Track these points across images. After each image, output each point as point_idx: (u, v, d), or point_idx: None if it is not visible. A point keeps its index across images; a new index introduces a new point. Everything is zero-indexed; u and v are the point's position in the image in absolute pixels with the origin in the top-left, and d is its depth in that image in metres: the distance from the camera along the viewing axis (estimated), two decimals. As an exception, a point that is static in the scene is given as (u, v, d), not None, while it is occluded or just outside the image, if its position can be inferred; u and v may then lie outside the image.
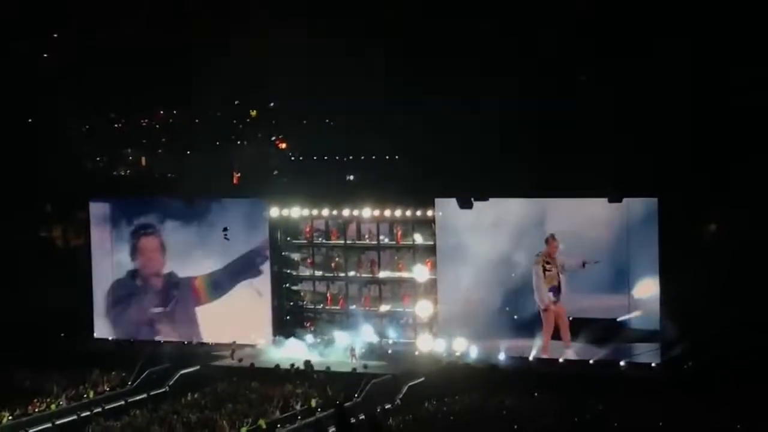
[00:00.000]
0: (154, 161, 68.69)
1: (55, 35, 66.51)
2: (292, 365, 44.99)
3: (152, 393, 43.85)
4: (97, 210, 52.50)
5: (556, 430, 36.36)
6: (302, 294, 50.39)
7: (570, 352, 43.73)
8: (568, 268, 43.70)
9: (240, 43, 60.24)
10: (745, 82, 49.70)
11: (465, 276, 45.57)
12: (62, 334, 51.01)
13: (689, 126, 49.19)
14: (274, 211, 49.41)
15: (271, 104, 48.14)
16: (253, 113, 69.06)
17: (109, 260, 51.98)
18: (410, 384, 42.57)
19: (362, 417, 38.27)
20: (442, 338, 46.09)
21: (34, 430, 39.53)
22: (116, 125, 69.40)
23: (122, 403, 42.62)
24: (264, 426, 38.27)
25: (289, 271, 50.25)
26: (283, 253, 50.15)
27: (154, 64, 60.31)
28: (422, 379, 43.13)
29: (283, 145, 68.14)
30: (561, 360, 43.92)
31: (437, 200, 46.52)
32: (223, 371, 45.78)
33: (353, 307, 48.86)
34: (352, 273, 49.19)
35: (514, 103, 52.53)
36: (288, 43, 59.68)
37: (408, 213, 47.52)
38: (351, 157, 64.11)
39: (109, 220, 52.11)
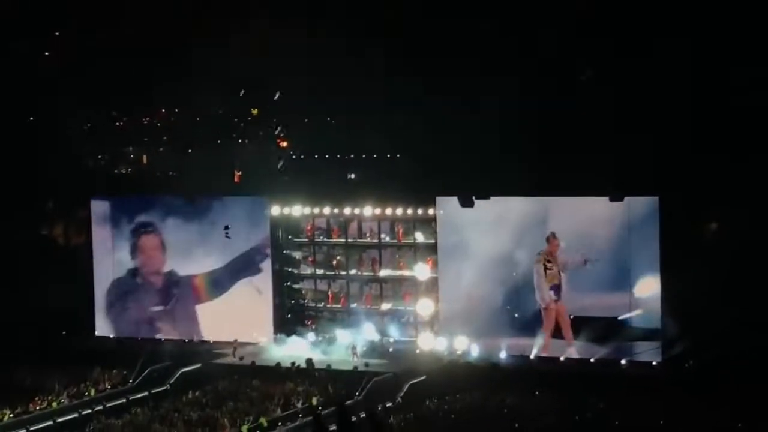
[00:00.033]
0: (156, 159, 68.64)
1: (57, 33, 66.48)
2: (293, 363, 45.03)
3: (153, 391, 43.92)
4: (99, 208, 52.55)
5: (557, 428, 36.38)
6: (303, 292, 50.44)
7: (573, 350, 43.74)
8: (570, 266, 43.73)
9: (241, 41, 60.21)
10: (745, 82, 49.69)
11: (466, 274, 45.60)
12: (63, 332, 51.05)
13: (690, 125, 49.17)
14: (276, 210, 49.45)
15: (277, 95, 47.85)
16: (255, 111, 68.98)
17: (111, 258, 52.03)
18: (411, 382, 42.62)
19: (363, 415, 38.26)
20: (444, 337, 46.12)
21: (36, 427, 39.59)
22: (117, 123, 69.33)
23: (123, 401, 42.69)
24: (265, 424, 38.31)
25: (290, 269, 50.28)
26: (284, 252, 50.20)
27: (155, 62, 60.22)
28: (423, 377, 43.18)
29: (284, 144, 68.08)
30: (562, 358, 43.96)
31: (438, 199, 46.55)
32: (224, 369, 45.84)
33: (354, 305, 48.90)
34: (353, 271, 49.24)
35: (515, 102, 52.51)
36: (288, 42, 59.67)
37: (409, 211, 47.56)
38: (352, 156, 64.05)
39: (110, 219, 52.16)
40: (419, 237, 47.73)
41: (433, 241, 46.98)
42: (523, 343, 44.48)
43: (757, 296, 41.96)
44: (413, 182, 52.39)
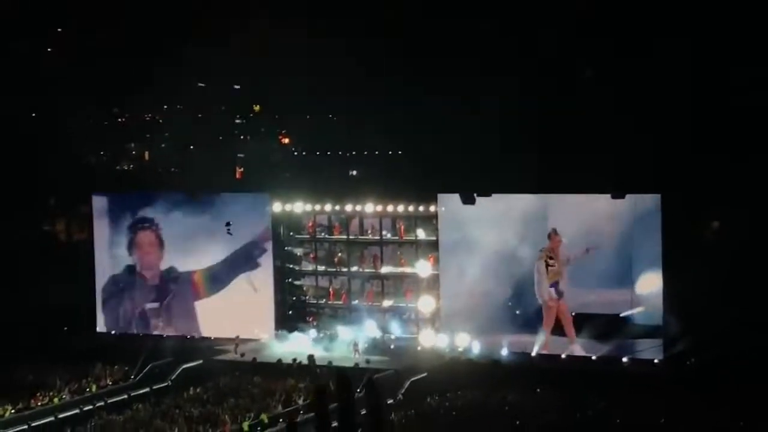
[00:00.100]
0: (157, 156, 68.70)
1: (59, 30, 66.51)
2: (295, 360, 45.02)
3: (155, 387, 43.92)
4: (100, 204, 52.57)
5: (558, 426, 36.34)
6: (305, 289, 50.44)
7: (577, 347, 43.72)
8: (573, 259, 43.64)
9: (242, 40, 60.23)
10: (746, 82, 49.71)
11: (468, 271, 45.58)
12: (65, 328, 51.05)
13: (693, 123, 49.16)
14: (277, 206, 49.44)
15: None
16: (257, 108, 69.03)
17: (112, 254, 52.02)
18: (412, 379, 42.58)
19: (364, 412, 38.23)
20: (445, 334, 46.11)
21: (37, 423, 39.56)
22: (119, 120, 69.40)
23: (125, 397, 42.69)
24: (266, 420, 38.31)
25: (291, 266, 50.29)
26: (285, 248, 50.19)
27: (157, 59, 60.25)
28: (424, 374, 43.15)
29: (286, 140, 68.16)
30: (563, 356, 43.95)
31: (440, 196, 46.54)
32: (225, 366, 45.84)
33: (356, 302, 48.89)
34: (354, 268, 49.23)
35: (517, 100, 52.50)
36: (289, 41, 59.70)
37: (411, 208, 47.55)
38: (354, 153, 64.09)
39: (111, 215, 52.16)
40: (421, 234, 47.72)
41: (434, 238, 46.97)
42: (525, 341, 44.45)
43: (758, 295, 41.91)
44: (415, 179, 52.46)
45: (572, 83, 55.45)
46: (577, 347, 43.76)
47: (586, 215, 43.66)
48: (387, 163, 61.70)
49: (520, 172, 47.57)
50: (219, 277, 50.12)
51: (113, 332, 51.85)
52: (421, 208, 47.35)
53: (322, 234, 50.05)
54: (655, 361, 42.50)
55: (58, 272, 53.13)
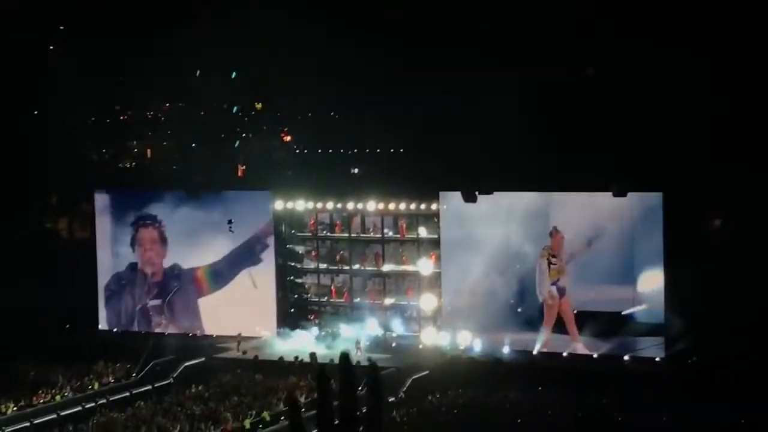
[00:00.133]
0: (160, 153, 68.75)
1: (60, 27, 66.54)
2: (296, 358, 45.04)
3: (157, 385, 43.92)
4: (102, 202, 52.60)
5: (559, 424, 36.37)
6: (307, 287, 50.46)
7: (579, 346, 43.71)
8: (577, 253, 43.59)
9: (244, 37, 60.23)
10: (749, 80, 49.69)
11: (469, 269, 45.58)
12: (67, 326, 51.07)
13: (695, 121, 49.12)
14: (279, 204, 49.45)
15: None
16: (259, 106, 69.05)
17: (114, 252, 52.07)
18: (414, 377, 42.57)
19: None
20: (446, 332, 46.12)
21: (39, 420, 39.60)
22: (122, 117, 69.43)
23: (127, 394, 42.70)
24: (268, 418, 38.34)
25: (293, 263, 50.30)
26: (287, 246, 50.20)
27: (159, 56, 60.23)
28: (426, 372, 43.14)
29: (288, 138, 68.18)
30: (565, 354, 43.96)
31: (441, 194, 46.53)
32: (227, 363, 45.85)
33: (358, 300, 48.91)
34: (356, 266, 49.23)
35: (519, 98, 52.44)
36: (292, 38, 59.68)
37: (412, 206, 47.55)
38: (356, 150, 64.09)
39: (113, 212, 52.19)
40: (422, 232, 47.72)
41: (436, 236, 46.98)
42: (526, 339, 44.46)
43: (760, 293, 41.88)
44: (416, 177, 52.39)
45: (574, 81, 55.41)
46: (580, 346, 43.76)
47: (588, 213, 43.65)
48: (389, 161, 61.70)
49: (521, 170, 47.57)
50: (222, 273, 50.14)
51: (115, 330, 51.90)
52: (422, 206, 47.34)
53: (324, 232, 50.06)
54: (657, 359, 42.51)
55: (60, 269, 53.15)
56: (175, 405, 40.24)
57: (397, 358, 45.00)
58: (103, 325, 52.10)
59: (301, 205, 49.34)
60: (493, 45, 54.45)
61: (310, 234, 50.30)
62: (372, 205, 48.03)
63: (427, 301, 47.25)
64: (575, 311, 43.86)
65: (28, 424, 39.26)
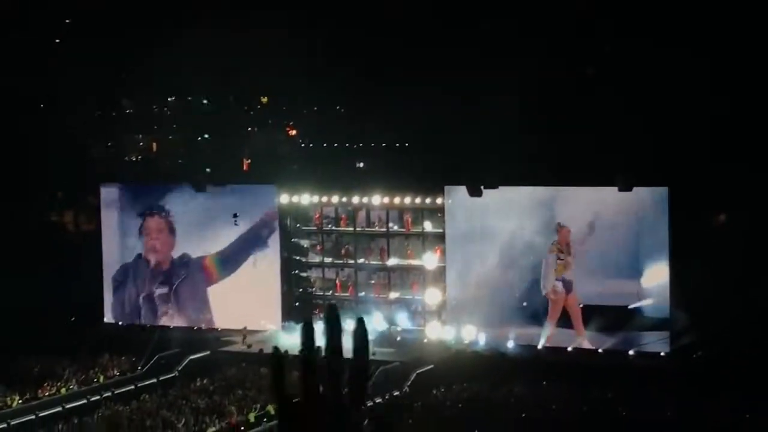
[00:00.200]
0: (165, 147, 68.76)
1: (67, 21, 66.53)
2: (302, 351, 44.91)
3: (162, 378, 43.96)
4: (108, 195, 52.68)
5: (564, 418, 36.36)
6: (312, 280, 50.48)
7: (585, 342, 43.67)
8: (587, 242, 43.47)
9: (249, 31, 60.18)
10: (754, 76, 49.59)
11: (474, 264, 45.60)
12: (72, 319, 51.16)
13: (701, 116, 49.02)
14: (284, 198, 49.47)
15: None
16: (264, 100, 69.01)
17: (120, 245, 52.16)
18: (419, 371, 42.59)
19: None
20: (451, 326, 46.12)
21: (44, 413, 39.68)
22: (128, 111, 69.45)
23: (132, 387, 42.76)
24: (272, 412, 38.30)
25: (298, 257, 50.33)
26: (292, 240, 50.22)
27: (163, 50, 60.21)
28: (431, 366, 43.17)
29: (293, 132, 68.12)
30: (570, 349, 43.94)
31: (447, 188, 46.50)
32: (232, 357, 45.91)
33: (363, 294, 48.91)
34: (361, 260, 49.23)
35: (524, 91, 52.38)
36: (297, 31, 59.64)
37: (417, 200, 47.53)
38: (361, 145, 64.04)
39: (119, 205, 52.28)
40: (427, 226, 47.70)
41: (441, 230, 46.95)
42: (531, 333, 44.45)
43: (766, 288, 41.84)
44: (422, 171, 52.33)
45: (580, 75, 55.34)
46: (585, 342, 43.72)
47: (593, 208, 43.61)
48: (394, 155, 61.62)
49: (527, 164, 47.51)
50: (230, 259, 50.10)
51: (120, 323, 51.96)
52: (428, 200, 47.33)
53: (329, 226, 50.07)
54: (662, 354, 42.47)
55: (66, 263, 53.21)
56: (180, 398, 40.29)
57: (401, 352, 45.02)
58: (108, 318, 52.18)
59: (306, 199, 49.35)
60: (494, 43, 54.37)
61: (315, 228, 50.32)
62: (377, 199, 48.02)
63: (432, 296, 47.26)
64: (581, 305, 43.82)
65: (33, 416, 39.30)
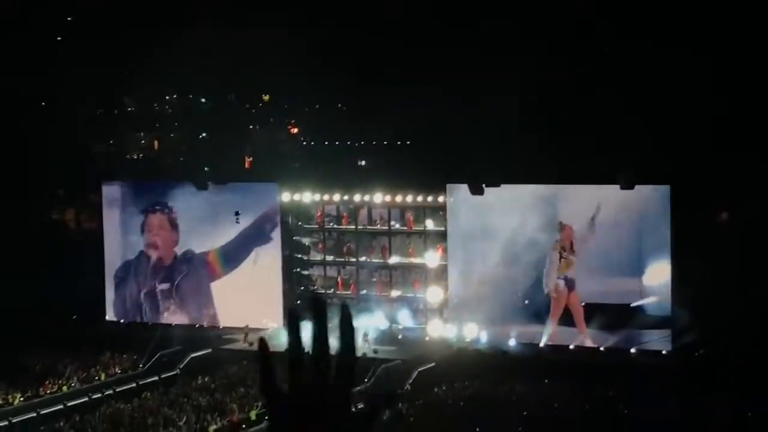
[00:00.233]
0: (167, 145, 68.78)
1: (69, 19, 66.55)
2: (303, 349, 44.94)
3: (163, 376, 44.00)
4: (110, 193, 52.65)
5: (565, 417, 36.36)
6: (313, 278, 50.42)
7: (588, 341, 43.63)
8: (589, 239, 43.40)
9: (250, 29, 60.19)
10: (754, 76, 49.57)
11: (476, 262, 45.55)
12: (74, 317, 51.14)
13: (703, 114, 49.01)
14: (286, 196, 49.42)
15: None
16: (266, 98, 69.02)
17: (122, 242, 52.13)
18: (420, 369, 42.60)
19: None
20: (453, 324, 46.08)
21: (46, 411, 39.70)
22: (129, 109, 69.48)
23: (133, 385, 42.79)
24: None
25: (300, 255, 50.28)
26: (294, 238, 50.16)
27: (165, 48, 60.21)
28: (432, 364, 43.16)
29: (295, 130, 68.14)
30: (571, 347, 43.91)
31: (448, 186, 46.46)
32: (233, 355, 45.85)
33: (364, 292, 48.87)
34: (363, 258, 49.19)
35: (528, 90, 52.37)
36: (299, 30, 59.64)
37: (419, 198, 47.48)
38: (362, 143, 64.04)
39: (121, 203, 52.25)
40: (429, 224, 47.65)
41: (442, 229, 46.90)
42: (533, 331, 44.40)
43: (767, 286, 41.81)
44: (423, 169, 52.30)
45: (580, 75, 55.31)
46: (587, 340, 43.69)
47: (595, 207, 43.54)
48: (396, 154, 61.62)
49: (529, 162, 47.47)
50: (233, 254, 50.06)
51: (122, 321, 51.94)
52: (429, 199, 47.28)
53: (331, 224, 50.03)
54: (663, 352, 42.42)
55: (67, 261, 53.20)
56: (182, 396, 40.33)
57: (403, 350, 45.03)
58: (110, 314, 52.15)
59: (308, 197, 49.30)
60: (494, 43, 54.35)
61: (316, 226, 50.27)
62: (379, 198, 47.97)
63: (434, 294, 47.22)
64: (583, 303, 43.78)
65: (35, 414, 39.36)
